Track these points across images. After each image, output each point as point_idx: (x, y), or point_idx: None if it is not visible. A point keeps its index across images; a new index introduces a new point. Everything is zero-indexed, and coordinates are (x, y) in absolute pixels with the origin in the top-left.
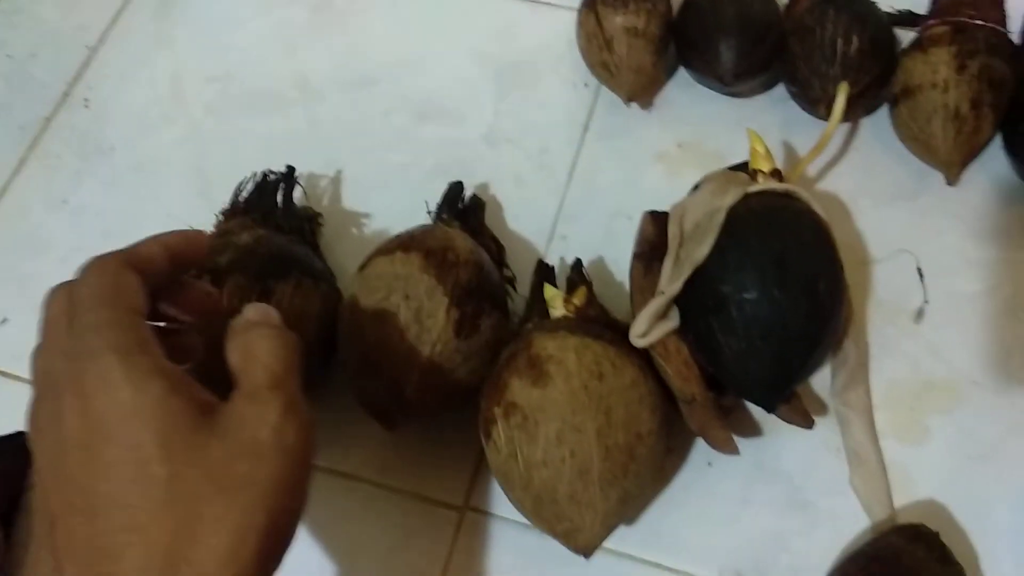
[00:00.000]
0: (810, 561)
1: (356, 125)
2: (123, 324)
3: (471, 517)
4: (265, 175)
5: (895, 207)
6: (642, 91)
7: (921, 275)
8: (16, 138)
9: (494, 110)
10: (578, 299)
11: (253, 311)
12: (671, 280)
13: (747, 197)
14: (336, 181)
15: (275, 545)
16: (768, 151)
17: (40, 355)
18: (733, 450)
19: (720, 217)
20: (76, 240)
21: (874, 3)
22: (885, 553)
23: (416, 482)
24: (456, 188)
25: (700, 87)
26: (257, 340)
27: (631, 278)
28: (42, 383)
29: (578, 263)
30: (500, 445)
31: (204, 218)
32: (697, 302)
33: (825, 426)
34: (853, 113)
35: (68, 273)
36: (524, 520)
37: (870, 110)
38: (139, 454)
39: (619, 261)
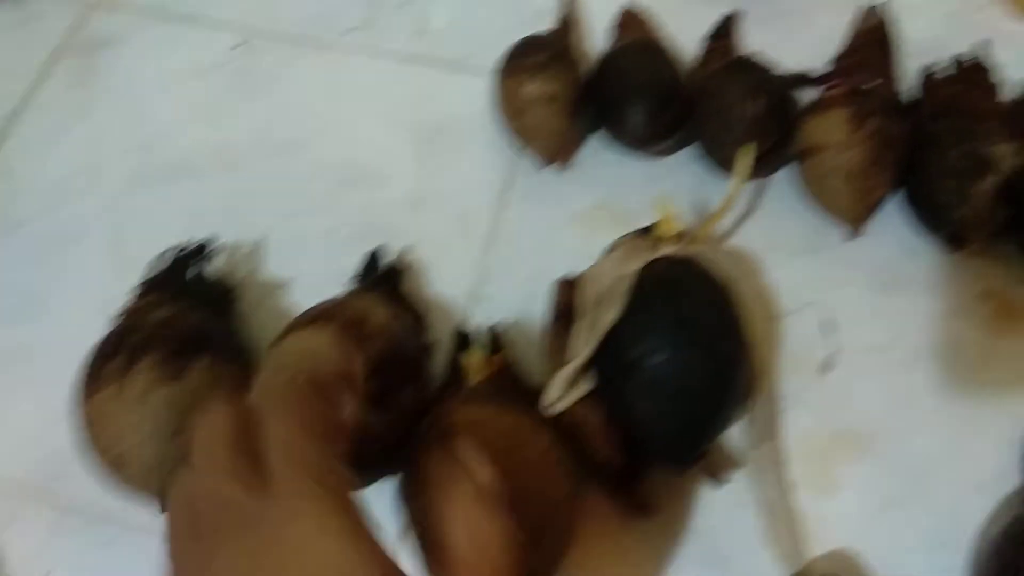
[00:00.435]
0: None
1: (278, 192)
2: (323, 459)
3: None
4: (181, 248)
5: (803, 261)
6: (558, 154)
7: (827, 327)
8: None
9: (416, 174)
10: (494, 365)
11: None
12: (583, 345)
13: (653, 262)
14: (257, 250)
15: None
16: (674, 216)
17: (198, 480)
18: (649, 511)
19: (627, 283)
20: None
21: (773, 68)
22: None
23: None
24: (375, 256)
25: (613, 149)
26: None
27: (546, 343)
28: (211, 517)
29: (496, 328)
30: None
31: (120, 294)
32: (608, 366)
33: (741, 481)
34: (759, 171)
35: None
36: None
37: (777, 168)
38: None
39: (540, 322)
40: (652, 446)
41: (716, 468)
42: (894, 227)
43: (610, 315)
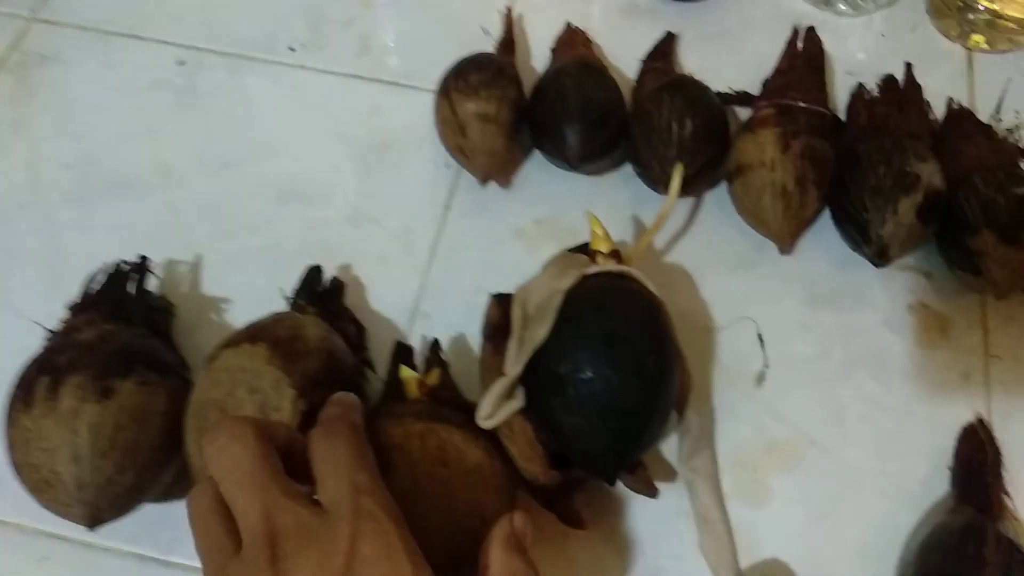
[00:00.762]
0: None
1: (217, 209)
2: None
3: None
4: (117, 266)
5: (736, 276)
6: (497, 172)
7: (761, 341)
8: None
9: (357, 191)
10: (431, 380)
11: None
12: (514, 362)
13: (584, 279)
14: (195, 267)
15: None
16: (606, 233)
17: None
18: (580, 525)
19: (558, 300)
20: None
21: (707, 88)
22: None
23: None
24: (313, 273)
25: (555, 166)
26: None
27: (481, 359)
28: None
29: (435, 343)
30: None
31: (54, 312)
32: (538, 382)
33: (675, 492)
34: (694, 189)
35: None
36: None
37: (711, 185)
38: None
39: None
40: (582, 461)
41: (647, 480)
42: (826, 242)
43: (541, 331)
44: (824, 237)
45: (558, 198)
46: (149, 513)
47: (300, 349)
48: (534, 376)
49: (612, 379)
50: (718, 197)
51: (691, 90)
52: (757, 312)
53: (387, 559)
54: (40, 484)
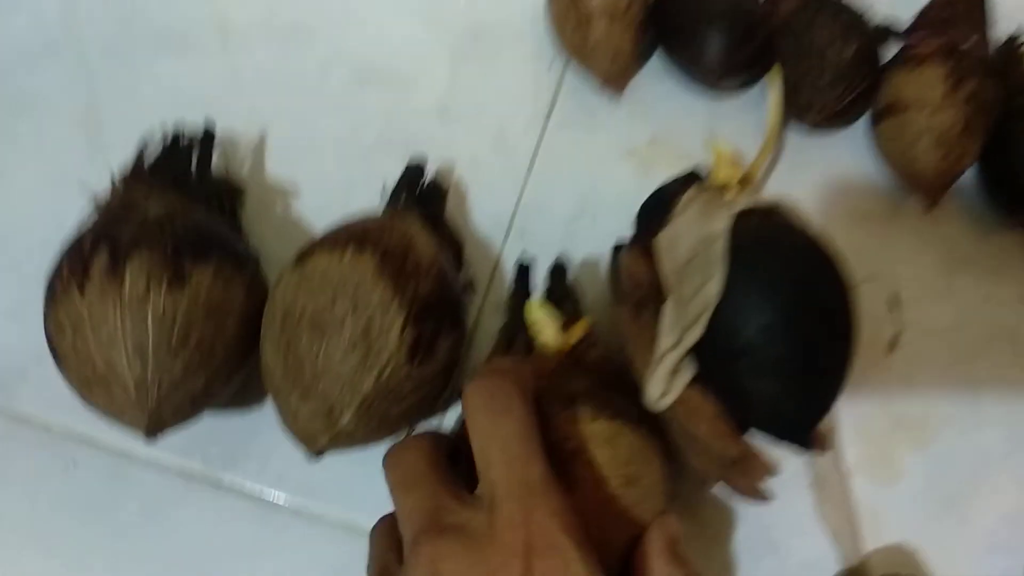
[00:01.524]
0: None
1: (285, 82)
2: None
3: None
4: (177, 133)
5: (867, 230)
6: (616, 78)
7: (895, 304)
8: None
9: (448, 81)
10: (577, 335)
11: None
12: (676, 326)
13: (741, 219)
14: (259, 145)
15: None
16: (734, 157)
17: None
18: (767, 496)
19: (720, 246)
20: None
21: (863, 12)
22: None
23: (345, 511)
24: (416, 169)
25: (672, 79)
26: None
27: (622, 326)
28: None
29: (560, 270)
30: None
31: (94, 174)
32: (714, 346)
33: (794, 460)
34: (831, 125)
35: None
36: None
37: (848, 123)
38: None
39: (581, 264)
40: (772, 428)
41: (823, 437)
42: (970, 202)
43: (713, 286)
44: (968, 195)
45: (675, 116)
46: (201, 422)
47: (412, 267)
48: (705, 340)
49: (810, 334)
50: (854, 136)
51: (849, 12)
52: (889, 271)
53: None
54: (91, 380)
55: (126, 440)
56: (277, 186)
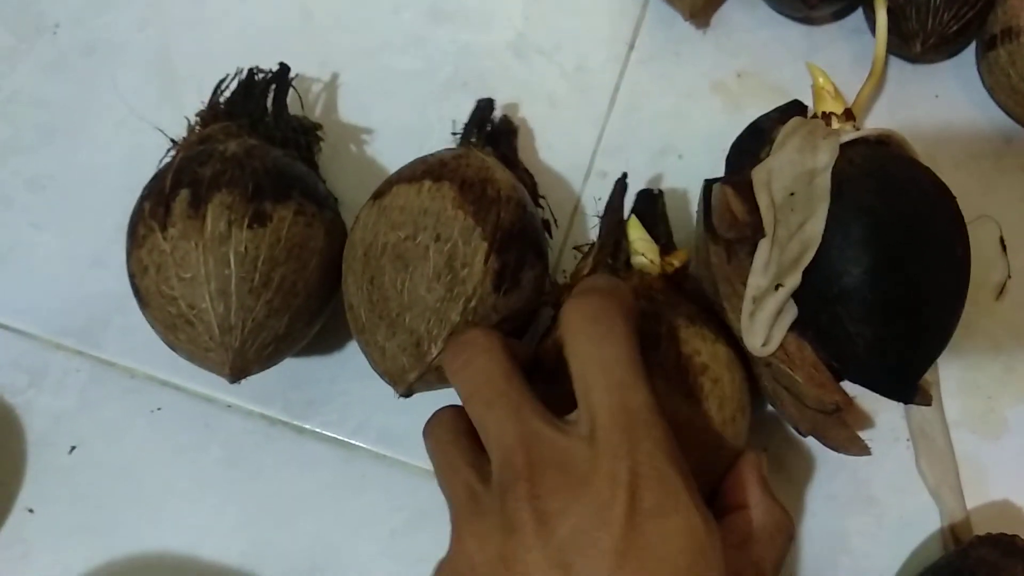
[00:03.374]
0: (875, 564)
1: (356, 21)
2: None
3: None
4: (252, 73)
5: (977, 167)
6: (704, 7)
7: (1004, 246)
8: None
9: (523, 14)
10: (678, 260)
11: None
12: (772, 266)
13: (846, 151)
14: (331, 87)
15: None
16: (836, 89)
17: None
18: (864, 449)
19: (823, 181)
20: (8, 135)
21: None
22: (980, 570)
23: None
24: (486, 106)
25: (762, 8)
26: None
27: (714, 266)
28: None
29: (657, 200)
30: None
31: (169, 115)
32: (816, 289)
33: (892, 413)
34: (937, 55)
35: None
36: None
37: (955, 53)
38: None
39: (668, 206)
40: (874, 376)
41: (924, 391)
42: None
43: (815, 225)
44: None
45: (764, 48)
46: (283, 368)
47: (492, 195)
48: (806, 282)
49: (921, 276)
50: (959, 67)
51: None
52: (998, 212)
53: (676, 513)
54: (175, 320)
55: (209, 386)
56: (350, 127)
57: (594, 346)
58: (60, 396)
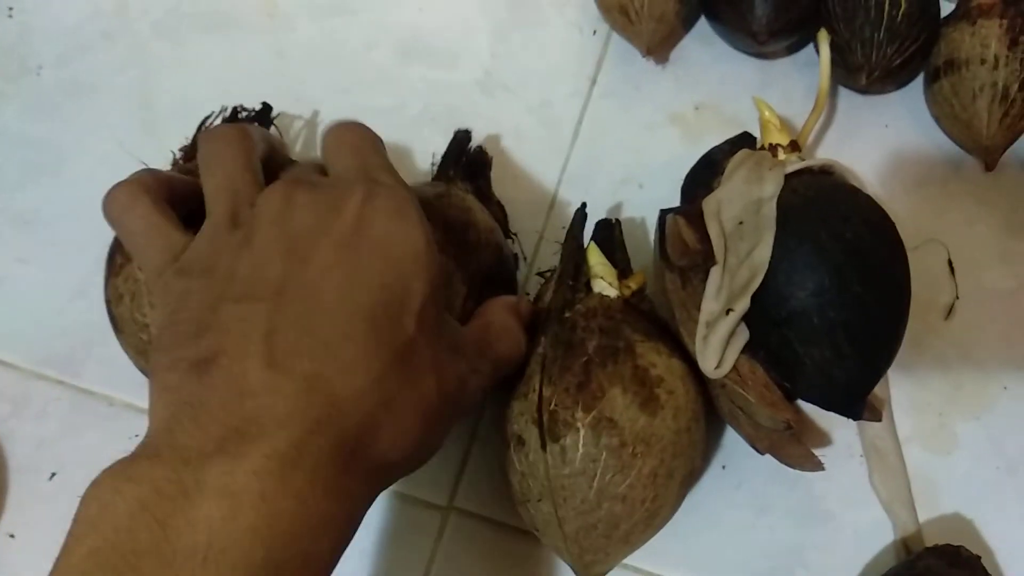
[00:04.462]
0: None
1: (331, 60)
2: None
3: (455, 519)
4: (236, 110)
5: (924, 192)
6: (661, 43)
7: (952, 268)
8: None
9: (491, 52)
10: (635, 283)
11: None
12: (723, 292)
13: (791, 180)
14: (310, 123)
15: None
16: (782, 122)
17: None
18: (818, 465)
19: (769, 210)
20: None
21: None
22: None
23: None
24: (464, 138)
25: (718, 44)
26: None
27: (670, 293)
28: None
29: (614, 228)
30: (572, 458)
31: (151, 153)
32: (765, 312)
33: (846, 430)
34: (883, 87)
35: None
36: (511, 523)
37: (901, 85)
38: (399, 295)
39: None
40: (822, 395)
41: (873, 406)
42: None
43: (762, 251)
44: None
45: (721, 82)
46: None
47: (473, 239)
48: (755, 305)
49: (864, 298)
50: (907, 97)
51: None
52: (946, 235)
53: (398, 216)
54: (146, 347)
55: None
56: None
57: (339, 135)
58: (41, 424)
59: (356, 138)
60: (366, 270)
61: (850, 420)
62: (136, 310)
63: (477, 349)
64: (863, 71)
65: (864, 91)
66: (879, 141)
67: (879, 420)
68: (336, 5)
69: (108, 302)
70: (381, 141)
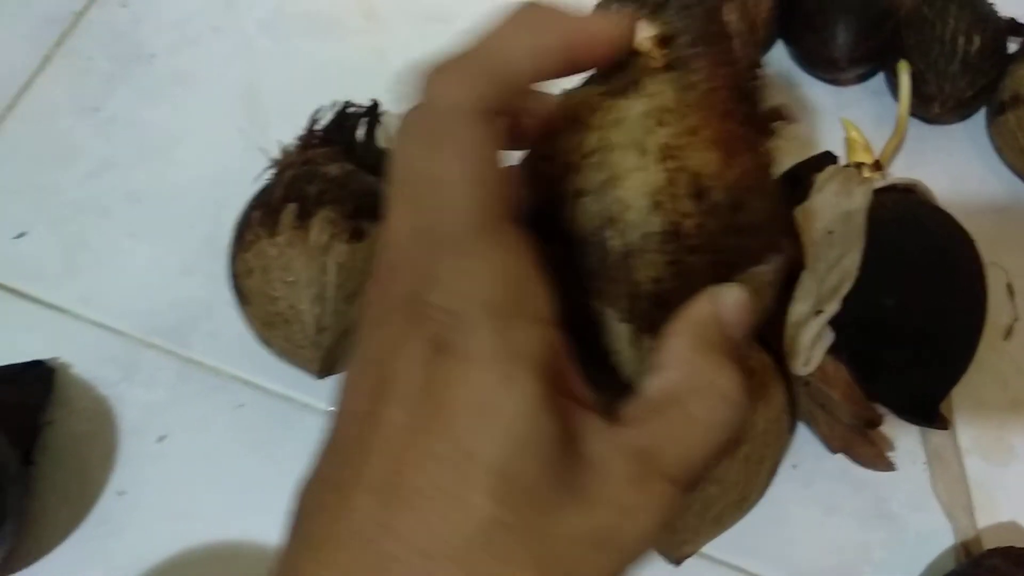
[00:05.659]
0: (894, 575)
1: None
2: (498, 261)
3: None
4: (346, 106)
5: (985, 218)
6: None
7: (1011, 292)
8: (41, 31)
9: None
10: None
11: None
12: (812, 295)
13: (880, 196)
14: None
15: None
16: (867, 141)
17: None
18: (889, 465)
19: (860, 221)
20: (107, 153)
21: (991, 5)
22: None
23: None
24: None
25: (794, 70)
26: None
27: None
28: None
29: None
30: None
31: (252, 142)
32: (850, 317)
33: (910, 438)
34: (950, 117)
35: (97, 189)
36: None
37: (966, 116)
38: (468, 469)
39: None
40: (901, 399)
41: (942, 415)
42: None
43: (852, 259)
44: None
45: (798, 105)
46: None
47: None
48: (843, 310)
49: (947, 308)
50: (970, 128)
51: (978, 4)
52: (1005, 260)
53: (464, 363)
54: (273, 318)
55: (288, 386)
56: None
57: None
58: (150, 390)
59: None
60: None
61: (913, 429)
62: (266, 284)
63: (638, 476)
64: (936, 101)
65: (932, 120)
66: (943, 167)
67: (947, 428)
68: (432, 11)
69: (236, 276)
70: None
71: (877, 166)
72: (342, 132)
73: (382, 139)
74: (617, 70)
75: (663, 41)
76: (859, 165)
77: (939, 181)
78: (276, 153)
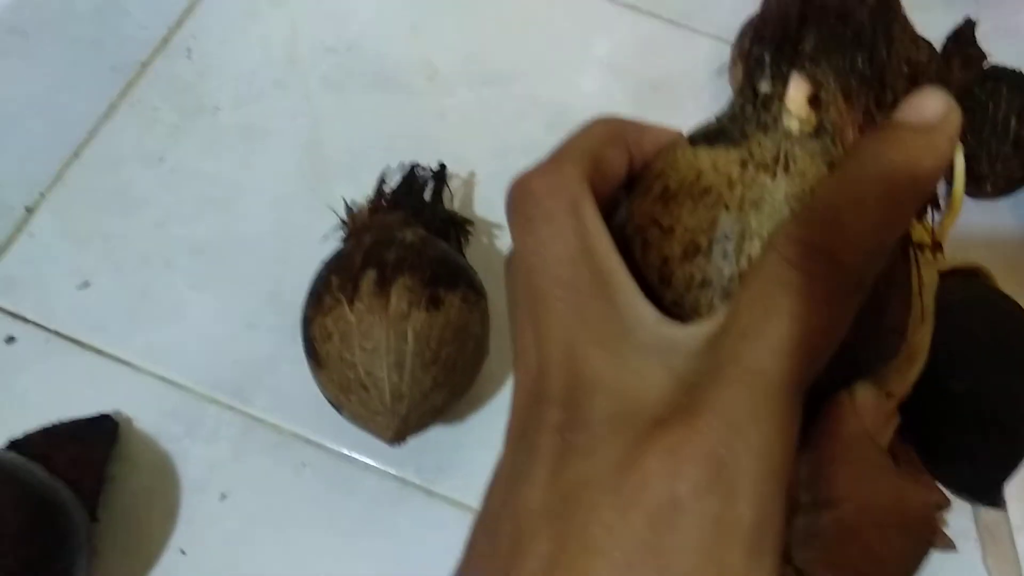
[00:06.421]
0: None
1: (486, 126)
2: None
3: None
4: (413, 168)
5: None
6: None
7: None
8: (108, 80)
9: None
10: None
11: None
12: (896, 380)
13: (946, 278)
14: (468, 183)
15: None
16: (926, 222)
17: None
18: (950, 545)
19: (928, 303)
20: (171, 202)
21: None
22: None
23: None
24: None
25: None
26: None
27: None
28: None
29: None
30: None
31: (315, 198)
32: (919, 400)
33: (960, 515)
34: (1000, 193)
35: (162, 238)
36: None
37: (1012, 191)
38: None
39: None
40: (966, 482)
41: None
42: None
43: (922, 342)
44: None
45: None
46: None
47: None
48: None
49: (1015, 394)
50: (1016, 204)
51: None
52: None
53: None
54: (350, 383)
55: (349, 446)
56: (484, 221)
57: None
58: (212, 447)
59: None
60: None
61: (964, 506)
62: (345, 349)
63: None
64: (988, 180)
65: (978, 197)
66: (987, 242)
67: (1004, 507)
68: (490, 75)
69: (312, 339)
70: None
71: (938, 247)
72: (411, 195)
73: (448, 203)
74: (741, 115)
75: (816, 101)
76: (920, 246)
77: (984, 255)
78: (340, 211)
